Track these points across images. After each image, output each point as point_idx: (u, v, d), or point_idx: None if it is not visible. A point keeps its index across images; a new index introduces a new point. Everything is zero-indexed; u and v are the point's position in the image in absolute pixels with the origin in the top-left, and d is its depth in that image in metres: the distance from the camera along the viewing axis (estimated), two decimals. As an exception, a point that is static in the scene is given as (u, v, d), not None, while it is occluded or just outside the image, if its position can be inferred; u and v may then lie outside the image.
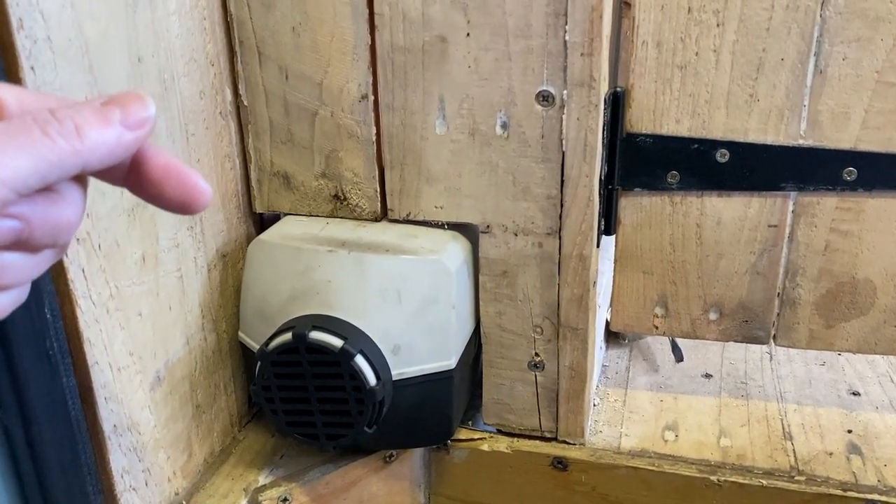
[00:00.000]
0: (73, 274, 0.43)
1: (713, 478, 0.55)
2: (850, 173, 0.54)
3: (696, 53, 0.54)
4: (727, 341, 0.61)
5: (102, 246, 0.45)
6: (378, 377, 0.50)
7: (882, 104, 0.52)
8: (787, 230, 0.57)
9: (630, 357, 0.72)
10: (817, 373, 0.68)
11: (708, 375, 0.68)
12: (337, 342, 0.49)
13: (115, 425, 0.47)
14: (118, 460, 0.48)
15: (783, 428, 0.61)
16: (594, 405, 0.65)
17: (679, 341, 0.72)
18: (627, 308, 0.62)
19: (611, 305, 0.63)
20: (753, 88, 0.54)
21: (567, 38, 0.49)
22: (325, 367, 0.50)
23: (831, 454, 0.57)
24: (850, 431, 0.60)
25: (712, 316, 0.60)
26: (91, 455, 0.46)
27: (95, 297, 0.45)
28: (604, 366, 0.71)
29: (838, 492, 0.54)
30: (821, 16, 0.51)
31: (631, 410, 0.64)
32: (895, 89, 0.52)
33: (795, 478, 0.55)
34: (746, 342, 0.60)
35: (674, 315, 0.61)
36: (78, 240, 0.43)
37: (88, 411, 0.46)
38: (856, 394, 0.65)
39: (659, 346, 0.73)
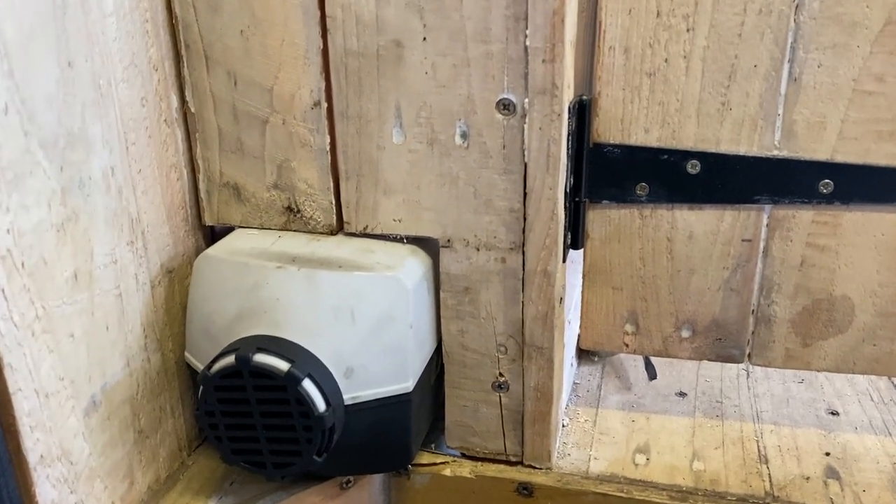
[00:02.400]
0: (-9, 295, 0.40)
1: (684, 505, 0.53)
2: (826, 186, 0.52)
3: (666, 60, 0.51)
4: (700, 360, 0.59)
5: (27, 264, 0.42)
6: (328, 403, 0.47)
7: (859, 114, 0.50)
8: (762, 245, 0.54)
9: (602, 374, 0.69)
10: (795, 391, 0.66)
11: (682, 394, 0.66)
12: (283, 365, 0.46)
13: (41, 455, 0.44)
14: (46, 493, 0.44)
15: (759, 450, 0.58)
16: (563, 425, 0.62)
17: (652, 358, 0.69)
18: (597, 325, 0.59)
19: (580, 322, 0.60)
20: (725, 97, 0.51)
21: (528, 43, 0.47)
22: (271, 392, 0.47)
23: (808, 479, 0.55)
24: (828, 454, 0.58)
25: (685, 333, 0.58)
26: (14, 488, 0.43)
27: (18, 318, 0.41)
28: (575, 383, 0.68)
29: (815, 520, 0.51)
30: (795, 21, 0.49)
31: (601, 432, 0.61)
32: (873, 98, 0.50)
33: (770, 505, 0.53)
34: (720, 361, 0.58)
35: (645, 332, 0.58)
36: (-2, 258, 0.40)
37: (11, 441, 0.43)
38: (834, 413, 0.63)
39: (632, 363, 0.70)
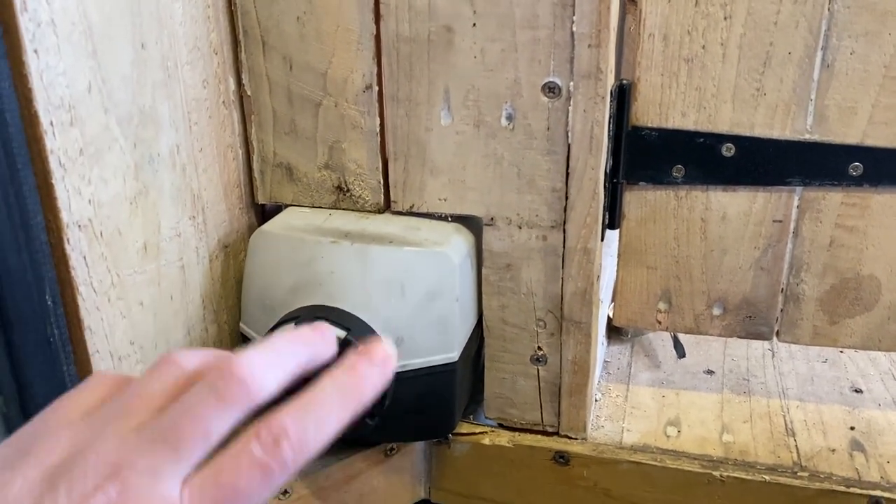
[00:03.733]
0: (74, 261, 0.42)
1: (716, 473, 0.55)
2: (855, 168, 0.54)
3: (703, 47, 0.53)
4: (730, 337, 0.61)
5: (104, 233, 0.44)
6: (381, 369, 0.50)
7: (889, 99, 0.52)
8: (792, 225, 0.57)
9: (632, 353, 0.71)
10: (819, 370, 0.68)
11: (710, 372, 0.68)
12: (340, 333, 0.49)
13: (115, 415, 0.47)
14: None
15: (786, 424, 0.60)
16: (596, 400, 0.64)
17: (680, 337, 0.72)
18: (631, 303, 0.62)
19: (613, 300, 0.62)
20: (760, 82, 0.53)
21: (574, 29, 0.49)
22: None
23: (834, 451, 0.57)
24: (852, 428, 0.60)
25: (716, 311, 0.60)
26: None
27: (97, 284, 0.44)
28: (605, 361, 0.70)
29: (841, 488, 0.53)
30: (829, 9, 0.51)
31: (633, 406, 0.63)
32: (902, 84, 0.52)
33: (798, 474, 0.55)
34: (750, 338, 0.60)
35: (677, 310, 0.61)
36: (80, 226, 0.42)
37: (89, 400, 0.45)
38: (858, 391, 0.65)
39: (660, 342, 0.72)
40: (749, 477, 0.55)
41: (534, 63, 0.50)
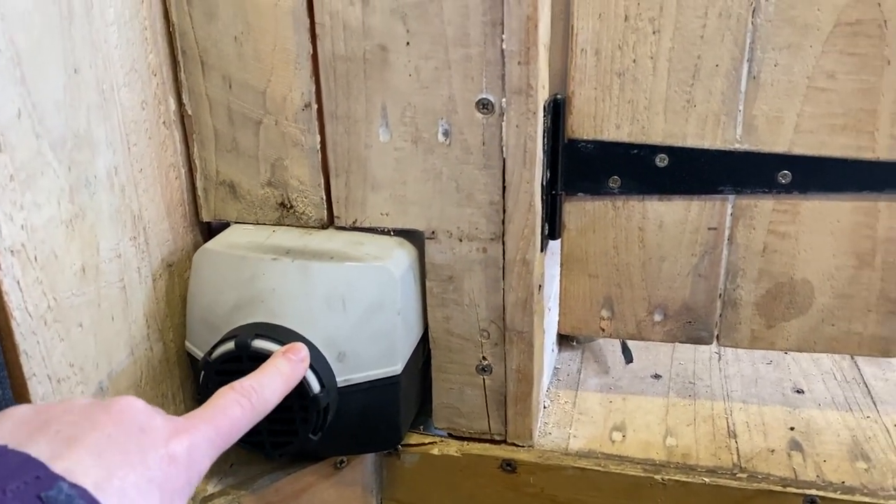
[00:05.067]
0: (7, 286, 0.43)
1: (657, 477, 0.56)
2: (784, 176, 0.56)
3: (634, 60, 0.55)
4: (672, 342, 0.62)
5: (39, 258, 0.45)
6: (322, 384, 0.51)
7: (813, 109, 0.54)
8: (727, 232, 0.58)
9: (582, 359, 0.73)
10: (764, 371, 0.70)
11: (657, 376, 0.69)
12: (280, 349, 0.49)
13: (54, 437, 0.47)
14: (59, 472, 0.47)
15: (728, 426, 0.62)
16: (545, 407, 0.65)
17: (630, 343, 0.73)
18: (575, 311, 0.63)
19: (559, 308, 0.63)
20: (690, 94, 0.55)
21: (504, 47, 0.50)
22: (269, 375, 0.50)
23: (773, 451, 0.59)
24: (792, 429, 0.61)
25: (657, 317, 0.61)
26: (30, 468, 0.46)
27: (32, 308, 0.44)
28: (556, 368, 0.71)
29: (778, 488, 0.55)
30: (752, 23, 0.53)
31: (580, 412, 0.65)
32: (825, 94, 0.53)
33: (737, 475, 0.56)
34: (691, 343, 0.62)
35: (620, 317, 0.62)
36: (13, 252, 0.43)
37: (26, 424, 0.46)
38: (800, 391, 0.66)
39: (610, 348, 0.74)
40: (690, 479, 0.56)
41: (467, 80, 0.52)
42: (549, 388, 0.68)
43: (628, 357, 0.71)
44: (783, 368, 0.70)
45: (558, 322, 0.64)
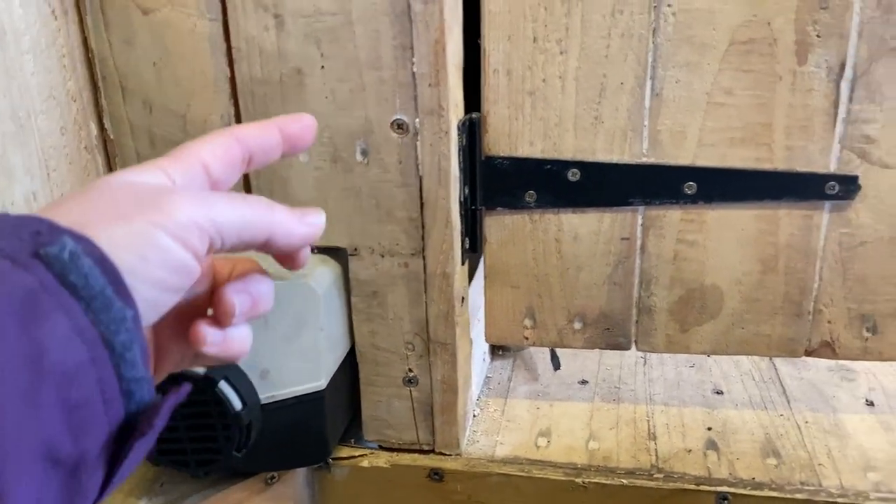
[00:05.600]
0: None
1: (578, 480, 0.58)
2: (690, 188, 0.58)
3: (544, 80, 0.57)
4: (593, 349, 0.65)
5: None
6: (244, 402, 0.52)
7: (714, 123, 0.57)
8: (639, 242, 0.61)
9: (513, 368, 0.75)
10: (686, 374, 0.72)
11: (584, 382, 0.72)
12: (200, 370, 0.50)
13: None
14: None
15: (649, 429, 0.64)
16: (474, 416, 0.67)
17: (560, 350, 0.75)
18: (499, 321, 0.65)
19: (484, 319, 0.65)
20: (598, 111, 0.57)
21: (415, 69, 0.52)
22: (191, 395, 0.51)
23: (690, 451, 0.61)
24: (709, 429, 0.64)
25: (577, 325, 0.64)
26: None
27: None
28: (487, 377, 0.73)
29: (692, 486, 0.57)
30: (653, 43, 0.55)
31: (508, 419, 0.66)
32: (724, 109, 0.56)
33: (654, 475, 0.59)
34: (610, 349, 0.64)
35: (541, 326, 0.64)
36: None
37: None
38: (719, 392, 0.69)
39: (541, 355, 0.76)
40: (609, 482, 0.58)
41: (382, 102, 0.53)
42: (479, 397, 0.70)
43: (556, 364, 0.73)
44: (705, 371, 0.73)
45: (484, 332, 0.66)
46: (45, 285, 0.24)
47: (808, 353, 0.62)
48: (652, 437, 0.63)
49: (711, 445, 0.62)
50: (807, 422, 0.64)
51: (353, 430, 0.64)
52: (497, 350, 0.77)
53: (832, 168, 0.56)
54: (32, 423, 0.24)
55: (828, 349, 0.61)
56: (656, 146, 0.58)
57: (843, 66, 0.54)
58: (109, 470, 0.27)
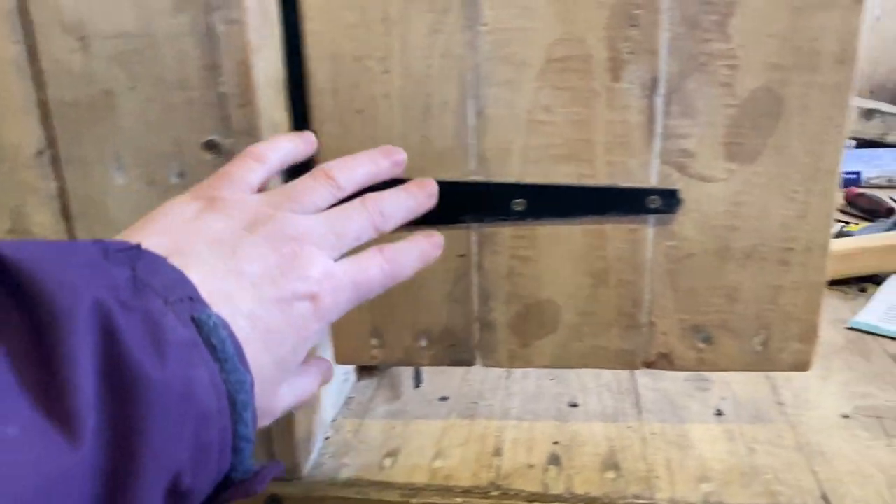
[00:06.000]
0: None
1: (414, 500, 0.58)
2: (519, 204, 0.59)
3: (371, 99, 0.57)
4: (439, 365, 0.64)
5: None
6: None
7: (537, 140, 0.57)
8: (475, 259, 0.61)
9: (377, 386, 0.74)
10: (546, 387, 0.72)
11: (444, 398, 0.71)
12: None
13: None
14: None
15: (496, 445, 0.64)
16: (327, 438, 0.66)
17: (424, 368, 0.75)
18: (346, 342, 0.64)
19: (333, 340, 0.65)
20: (425, 130, 0.57)
21: (222, 90, 0.51)
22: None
23: (532, 466, 0.61)
24: (556, 443, 0.64)
25: (422, 343, 0.63)
26: None
27: None
28: (349, 397, 0.72)
29: (526, 503, 0.57)
30: (473, 62, 0.56)
31: (361, 440, 0.66)
32: (545, 126, 0.57)
33: (490, 493, 0.58)
34: (455, 365, 0.64)
35: (388, 345, 0.64)
36: None
37: None
38: (574, 405, 0.69)
39: (408, 374, 0.75)
40: (445, 501, 0.58)
41: (193, 122, 0.53)
42: (336, 418, 0.69)
43: (417, 381, 0.73)
44: (565, 383, 0.73)
45: (333, 353, 0.65)
46: (196, 342, 0.31)
47: (647, 365, 0.62)
48: (498, 453, 0.63)
49: (554, 460, 0.62)
50: (653, 433, 0.65)
51: (195, 456, 0.63)
52: (365, 369, 0.77)
53: (653, 182, 0.57)
54: (175, 450, 0.29)
55: (665, 360, 0.62)
56: (484, 164, 0.58)
57: (655, 82, 0.55)
58: None
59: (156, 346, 0.29)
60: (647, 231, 0.59)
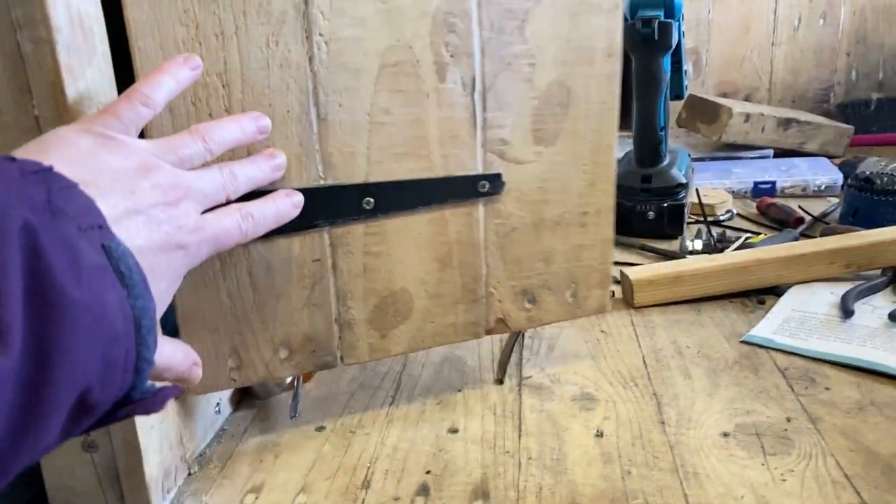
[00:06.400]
0: None
1: (268, 534, 0.53)
2: (368, 203, 0.60)
3: (210, 114, 0.58)
4: (301, 373, 0.62)
5: None
6: None
7: (379, 141, 0.60)
8: (329, 261, 0.61)
9: (254, 417, 0.70)
10: (429, 412, 0.70)
11: (321, 428, 0.68)
12: None
13: None
14: None
15: (366, 476, 0.60)
16: (190, 473, 0.61)
17: (312, 392, 0.72)
18: (203, 369, 0.61)
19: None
20: (271, 140, 0.59)
21: (36, 112, 0.51)
22: None
23: (398, 499, 0.58)
24: (428, 472, 0.61)
25: (283, 354, 0.62)
26: None
27: None
28: (223, 429, 0.68)
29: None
30: (311, 70, 0.59)
31: (226, 476, 0.61)
32: (385, 127, 0.60)
33: (350, 524, 0.54)
34: (318, 370, 0.63)
35: (248, 364, 0.61)
36: None
37: None
38: (454, 431, 0.66)
39: (288, 402, 0.71)
40: (301, 533, 0.53)
41: (7, 148, 0.50)
42: (204, 452, 0.64)
43: (293, 411, 0.70)
44: (450, 408, 0.70)
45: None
46: (107, 268, 0.33)
47: (488, 332, 0.68)
48: (366, 485, 0.59)
49: (423, 491, 0.58)
50: (530, 458, 0.62)
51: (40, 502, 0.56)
52: (247, 398, 0.73)
53: (480, 169, 0.62)
54: (87, 366, 0.31)
55: (502, 324, 0.68)
56: (330, 168, 0.60)
57: (474, 81, 0.60)
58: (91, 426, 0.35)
59: (74, 269, 0.31)
60: (479, 212, 0.63)
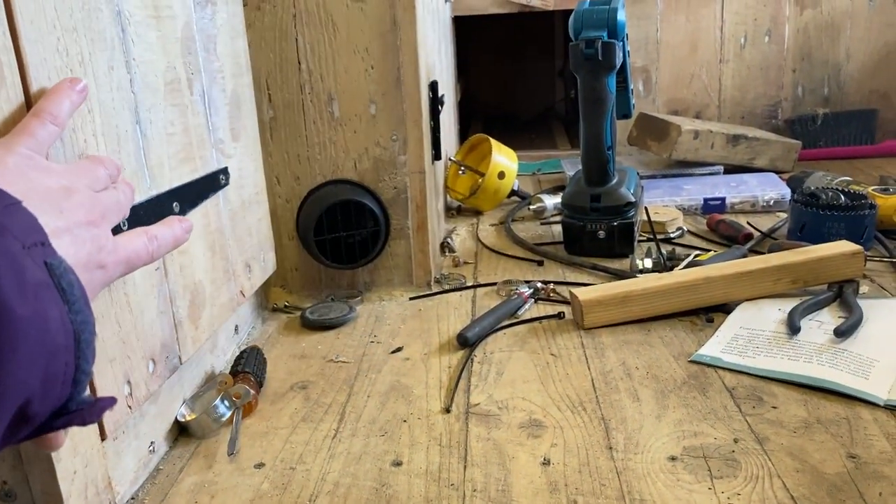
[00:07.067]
0: None
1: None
2: (176, 206, 0.69)
3: (83, 141, 0.53)
4: (163, 382, 0.62)
5: None
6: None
7: (170, 150, 0.67)
8: (163, 268, 0.64)
9: (191, 456, 0.67)
10: (373, 446, 0.67)
11: (261, 465, 0.65)
12: None
13: None
14: None
15: (303, 512, 0.58)
16: (116, 520, 0.58)
17: (252, 427, 0.69)
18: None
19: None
20: (121, 158, 0.58)
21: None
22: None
23: (333, 537, 0.55)
24: (371, 507, 0.58)
25: (150, 368, 0.61)
26: None
27: None
28: (158, 469, 0.65)
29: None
30: (132, 91, 0.61)
31: (157, 521, 0.58)
32: (173, 137, 0.67)
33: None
34: (170, 374, 0.65)
35: (135, 386, 0.60)
36: None
37: None
38: (398, 464, 0.64)
39: (226, 440, 0.69)
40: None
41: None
42: (136, 496, 0.61)
43: (231, 448, 0.67)
44: (394, 440, 0.68)
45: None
46: (49, 284, 0.34)
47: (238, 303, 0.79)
48: None
49: None
50: (475, 490, 0.60)
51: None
52: (181, 435, 0.70)
53: (216, 166, 0.75)
54: (28, 379, 0.32)
55: (241, 296, 0.83)
56: (154, 179, 0.65)
57: (203, 92, 0.70)
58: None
59: (19, 286, 0.32)
60: (221, 202, 0.77)
